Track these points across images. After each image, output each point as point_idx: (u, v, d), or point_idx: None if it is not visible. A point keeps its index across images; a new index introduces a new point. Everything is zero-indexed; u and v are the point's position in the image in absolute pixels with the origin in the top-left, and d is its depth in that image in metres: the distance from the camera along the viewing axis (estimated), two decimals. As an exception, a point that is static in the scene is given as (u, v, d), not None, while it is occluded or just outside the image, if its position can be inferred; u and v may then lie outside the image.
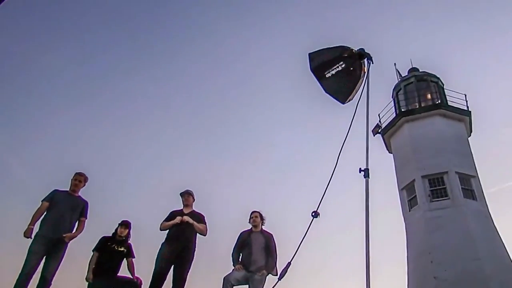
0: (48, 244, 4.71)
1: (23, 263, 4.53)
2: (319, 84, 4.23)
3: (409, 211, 13.21)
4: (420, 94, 15.15)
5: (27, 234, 4.68)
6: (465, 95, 14.77)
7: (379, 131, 15.05)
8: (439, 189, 12.60)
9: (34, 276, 4.56)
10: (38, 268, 4.64)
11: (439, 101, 14.82)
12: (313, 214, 3.53)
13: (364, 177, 3.39)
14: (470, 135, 14.75)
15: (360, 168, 3.45)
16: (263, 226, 5.76)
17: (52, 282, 4.66)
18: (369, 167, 3.37)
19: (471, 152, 13.76)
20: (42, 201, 4.98)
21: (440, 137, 13.59)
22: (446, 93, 15.16)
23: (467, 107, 14.62)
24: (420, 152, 13.53)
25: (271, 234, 5.70)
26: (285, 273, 3.45)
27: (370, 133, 4.23)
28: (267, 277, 5.26)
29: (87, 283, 4.95)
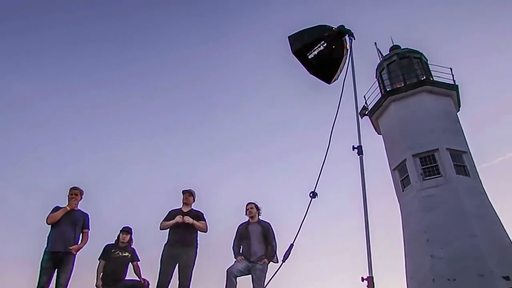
0: (56, 259, 5.22)
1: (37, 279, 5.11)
2: (302, 66, 4.42)
3: (403, 191, 13.72)
4: (404, 72, 15.58)
5: None
6: (451, 69, 15.22)
7: (366, 113, 15.50)
8: (431, 167, 13.10)
9: None
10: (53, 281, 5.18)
11: (424, 77, 15.31)
12: (311, 194, 3.77)
13: (358, 155, 3.65)
14: (459, 110, 15.25)
15: (353, 146, 3.70)
16: (259, 216, 6.07)
17: None
18: (361, 144, 3.64)
19: (461, 128, 14.30)
20: (46, 219, 5.43)
21: (428, 114, 14.08)
22: (430, 69, 15.64)
23: (454, 81, 15.09)
24: (409, 131, 14.00)
25: (268, 223, 6.02)
26: (288, 255, 3.74)
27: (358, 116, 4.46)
28: (270, 264, 5.59)
29: None
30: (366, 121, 15.81)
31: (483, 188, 12.96)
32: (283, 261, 3.68)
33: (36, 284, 5.10)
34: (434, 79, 15.08)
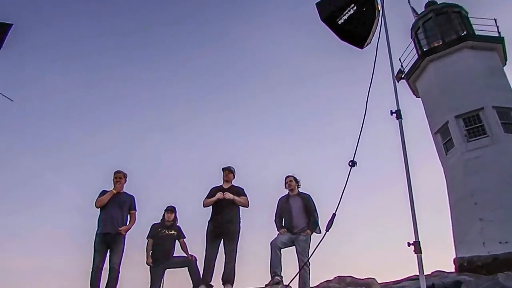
0: (107, 240, 5.58)
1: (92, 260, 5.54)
2: (333, 33, 4.30)
3: (446, 154, 13.30)
4: (441, 29, 14.77)
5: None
6: (495, 20, 14.15)
7: (403, 76, 14.93)
8: (476, 128, 12.56)
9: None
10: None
11: (465, 33, 14.45)
12: (350, 163, 3.74)
13: (397, 119, 3.56)
14: (506, 64, 14.35)
15: (391, 111, 3.61)
16: (299, 189, 6.13)
17: (120, 270, 5.54)
18: (400, 108, 3.55)
19: (508, 83, 13.44)
20: (95, 202, 5.81)
21: (470, 71, 13.36)
22: (472, 22, 14.71)
23: (499, 33, 14.05)
24: (450, 92, 13.41)
25: (308, 195, 6.08)
26: (331, 225, 3.77)
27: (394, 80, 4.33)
28: (313, 235, 5.70)
29: (148, 267, 5.77)
30: (403, 84, 15.27)
31: (535, 146, 12.28)
32: (326, 230, 3.72)
33: (92, 265, 5.50)
34: (476, 34, 14.19)
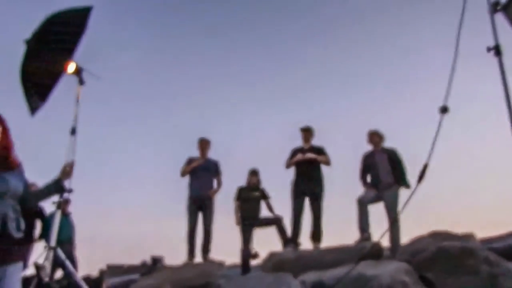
0: (198, 203, 6.06)
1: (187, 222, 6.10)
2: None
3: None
4: None
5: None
6: None
7: (498, 8, 13.22)
8: None
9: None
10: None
11: None
12: (441, 109, 3.50)
13: (495, 56, 3.21)
14: None
15: (487, 47, 3.25)
16: (383, 143, 5.92)
17: (212, 230, 6.02)
18: (499, 43, 3.17)
19: None
20: (183, 169, 6.27)
21: None
22: None
23: None
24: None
25: (394, 149, 5.85)
26: (423, 176, 3.59)
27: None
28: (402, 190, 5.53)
29: (238, 227, 6.08)
30: (500, 18, 13.49)
31: None
32: (418, 182, 3.56)
33: (187, 226, 6.05)
34: None
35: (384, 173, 5.72)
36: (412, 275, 4.25)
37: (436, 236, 5.19)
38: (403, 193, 5.52)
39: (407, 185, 5.55)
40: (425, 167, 3.70)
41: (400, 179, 5.62)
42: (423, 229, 5.59)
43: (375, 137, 5.94)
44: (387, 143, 5.99)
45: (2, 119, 2.54)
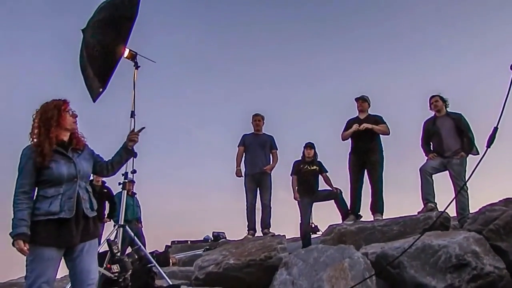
0: (255, 179, 6.22)
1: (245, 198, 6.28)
2: None
3: None
4: None
5: (238, 174, 6.34)
6: None
7: None
8: None
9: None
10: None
11: None
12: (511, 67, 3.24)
13: None
14: None
15: None
16: (447, 108, 5.59)
17: (271, 205, 6.19)
18: None
19: None
20: (238, 146, 6.42)
21: None
22: None
23: None
24: None
25: (460, 114, 5.53)
26: (493, 140, 3.37)
27: None
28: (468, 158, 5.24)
29: (296, 202, 6.12)
30: None
31: None
32: (488, 147, 3.35)
33: (246, 202, 6.23)
34: None
35: (449, 140, 5.42)
36: (484, 244, 4.04)
37: (509, 203, 4.86)
38: (472, 160, 5.24)
39: (475, 152, 5.23)
40: (494, 131, 3.47)
41: (467, 145, 5.31)
42: (493, 198, 5.28)
43: (437, 102, 5.61)
44: (451, 108, 5.66)
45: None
